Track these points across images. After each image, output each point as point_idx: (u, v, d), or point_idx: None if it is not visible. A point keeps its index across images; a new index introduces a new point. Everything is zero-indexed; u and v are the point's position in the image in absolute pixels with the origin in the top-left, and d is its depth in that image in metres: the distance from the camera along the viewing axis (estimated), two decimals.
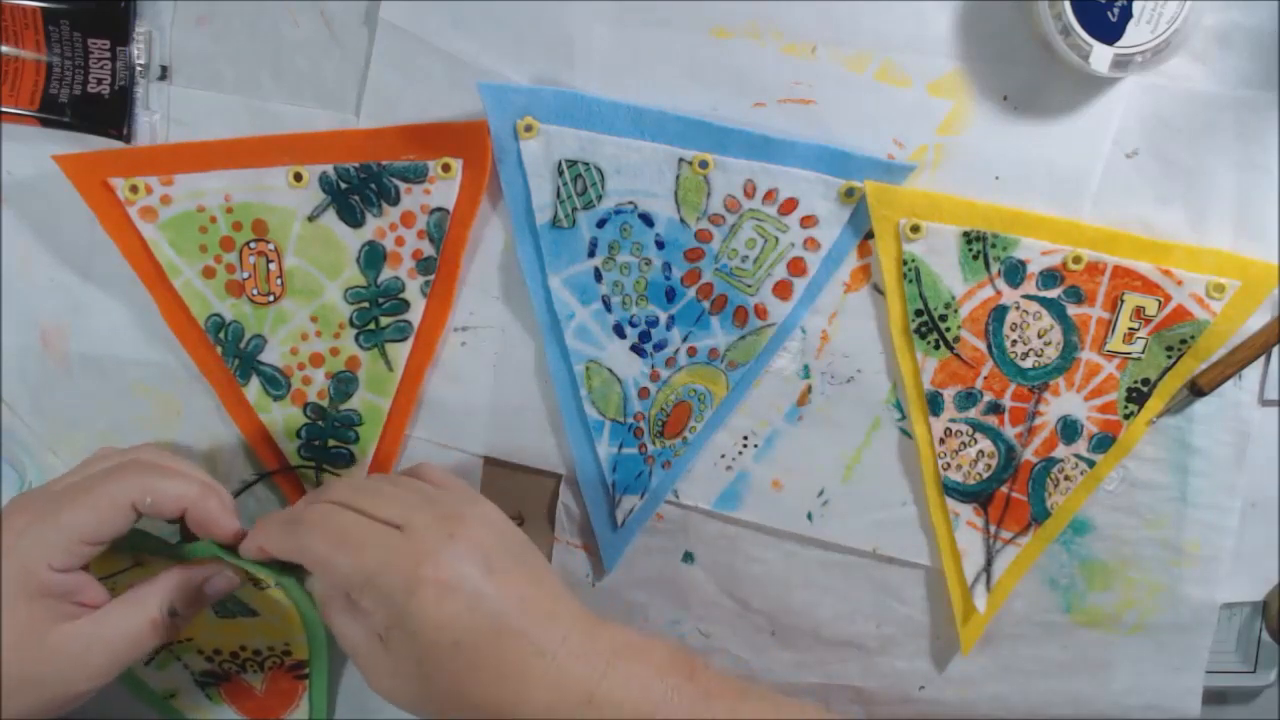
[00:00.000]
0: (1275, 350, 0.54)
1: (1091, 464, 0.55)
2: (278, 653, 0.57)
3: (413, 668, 0.42)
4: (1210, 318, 0.52)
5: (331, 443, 0.56)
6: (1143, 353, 0.53)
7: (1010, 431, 0.55)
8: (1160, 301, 0.52)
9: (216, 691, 0.59)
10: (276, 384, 0.55)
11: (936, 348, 0.54)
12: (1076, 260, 0.52)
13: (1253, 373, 0.54)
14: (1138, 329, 0.53)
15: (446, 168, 0.51)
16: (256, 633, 0.56)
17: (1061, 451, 0.55)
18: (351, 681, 0.62)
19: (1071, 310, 0.53)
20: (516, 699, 0.42)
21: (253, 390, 0.55)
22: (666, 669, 0.43)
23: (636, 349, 0.54)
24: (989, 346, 0.54)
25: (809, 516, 0.57)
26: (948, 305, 0.53)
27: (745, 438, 0.56)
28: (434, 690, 0.42)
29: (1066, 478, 0.55)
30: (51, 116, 0.52)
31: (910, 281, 0.53)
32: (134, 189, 0.52)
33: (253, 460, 0.58)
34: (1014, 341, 0.54)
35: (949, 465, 0.55)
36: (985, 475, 0.56)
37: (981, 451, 0.55)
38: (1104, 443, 0.54)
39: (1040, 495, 0.55)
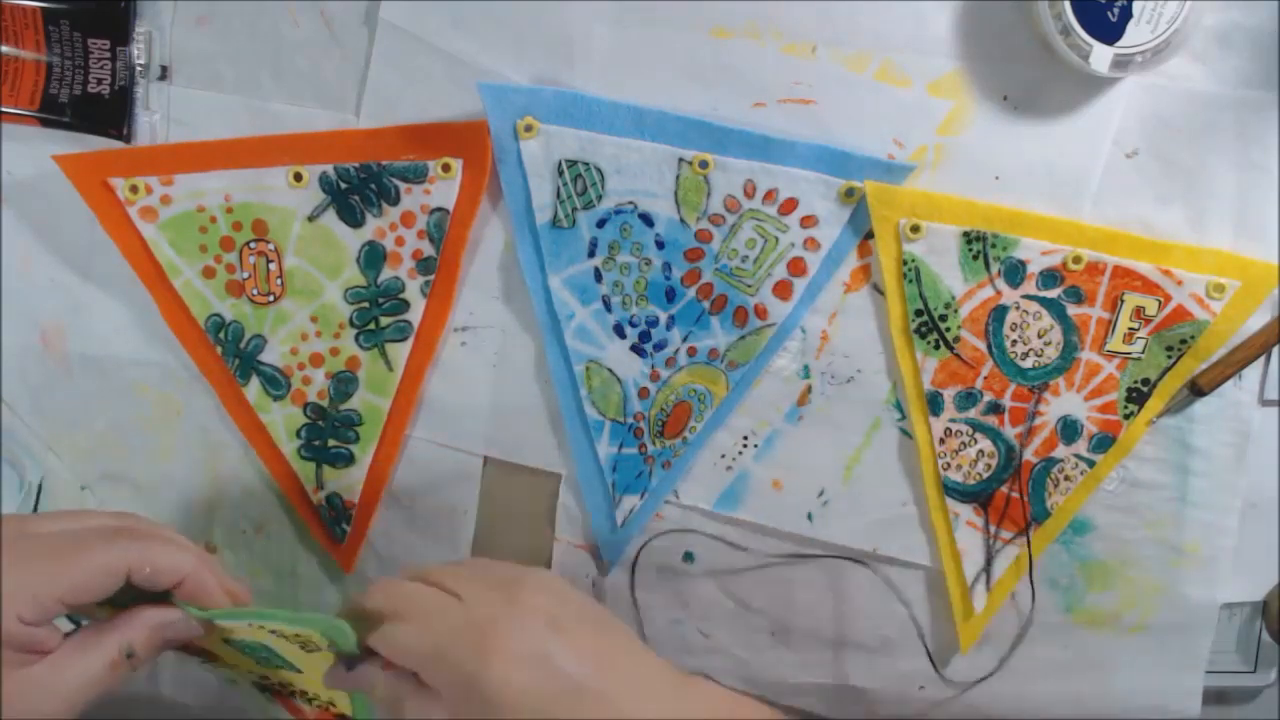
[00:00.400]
0: (1275, 350, 0.54)
1: (1091, 464, 0.55)
2: (323, 701, 0.56)
3: None
4: (1210, 318, 0.52)
5: (331, 442, 0.56)
6: (1143, 353, 0.53)
7: (1010, 431, 0.55)
8: (1160, 301, 0.52)
9: (271, 699, 0.58)
10: (276, 384, 0.55)
11: (936, 348, 0.54)
12: (1076, 260, 0.52)
13: (1253, 373, 0.54)
14: (1138, 329, 0.53)
15: (446, 168, 0.51)
16: (302, 681, 0.55)
17: (1061, 451, 0.55)
18: None
19: (1071, 310, 0.53)
20: None
21: (253, 390, 0.55)
22: None
23: (636, 349, 0.54)
24: (989, 346, 0.54)
25: (809, 516, 0.57)
26: (948, 305, 0.53)
27: (745, 438, 0.56)
28: None
29: (1066, 478, 0.55)
30: (51, 116, 0.52)
31: (910, 281, 0.53)
32: (134, 189, 0.52)
33: (251, 459, 0.58)
34: (1014, 341, 0.54)
35: (949, 465, 0.55)
36: (985, 475, 0.56)
37: (981, 451, 0.55)
38: (1104, 443, 0.54)
39: (1040, 495, 0.55)
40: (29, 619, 0.39)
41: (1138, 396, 0.54)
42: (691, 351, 0.54)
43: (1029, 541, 0.56)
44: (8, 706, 0.39)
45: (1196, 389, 0.54)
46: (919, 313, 0.53)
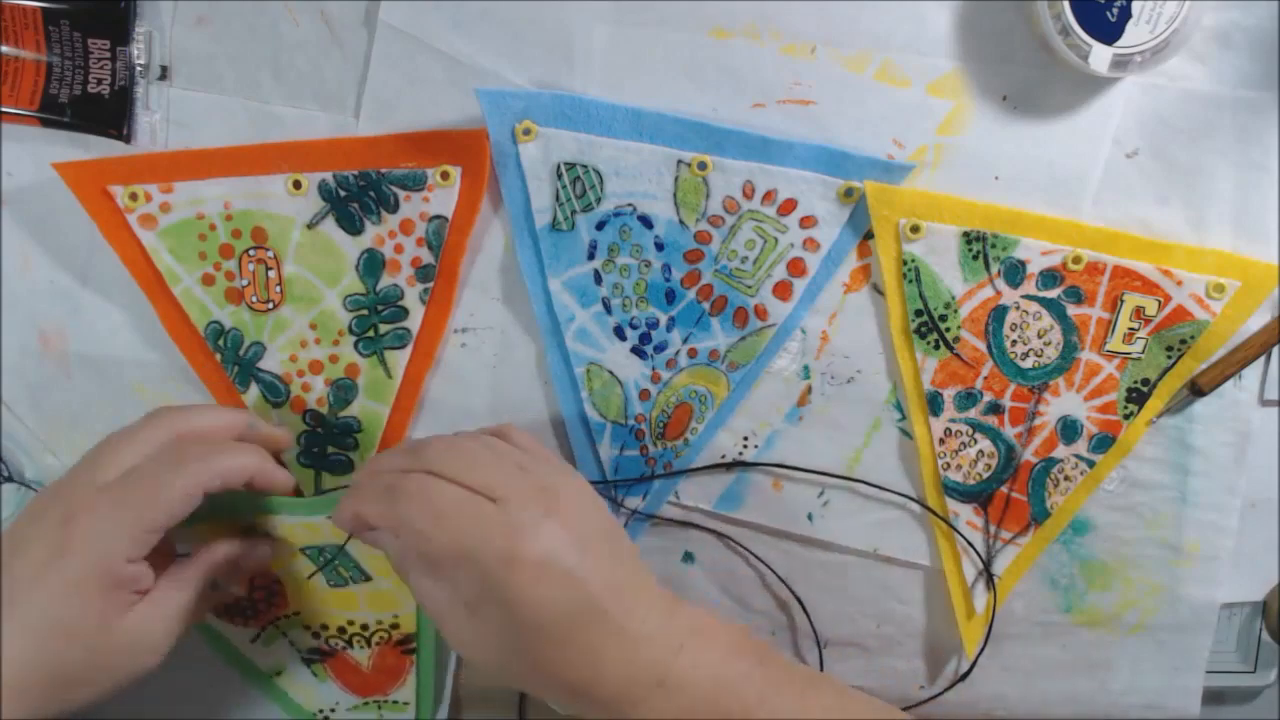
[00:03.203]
0: (1275, 350, 0.54)
1: (1091, 464, 0.55)
2: (385, 626, 0.57)
3: (497, 639, 0.43)
4: (1210, 318, 0.52)
5: (330, 449, 0.56)
6: (1143, 353, 0.53)
7: (1010, 431, 0.55)
8: (1160, 302, 0.52)
9: (322, 668, 0.59)
10: (276, 391, 0.55)
11: (936, 348, 0.54)
12: (1076, 260, 0.52)
13: (1253, 373, 0.54)
14: (1138, 329, 0.53)
15: (445, 175, 0.51)
16: (367, 603, 0.56)
17: (1061, 451, 0.55)
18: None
19: (1071, 310, 0.53)
20: (593, 678, 0.42)
21: (252, 397, 0.55)
22: (737, 653, 0.44)
23: (637, 351, 0.54)
24: (989, 346, 0.54)
25: (809, 516, 0.57)
26: (948, 305, 0.53)
27: (746, 438, 0.56)
28: (515, 662, 0.43)
29: (1066, 478, 0.55)
30: (51, 116, 0.52)
31: (910, 281, 0.53)
32: (133, 196, 0.51)
33: None
34: (1014, 341, 0.54)
35: (949, 465, 0.55)
36: (985, 475, 0.56)
37: (981, 451, 0.55)
38: (1104, 443, 0.54)
39: (1040, 495, 0.56)
40: (133, 557, 0.44)
41: (1138, 396, 0.54)
42: (692, 353, 0.54)
43: (1029, 542, 0.56)
44: (127, 643, 0.45)
45: (1196, 389, 0.54)
46: (919, 313, 0.53)
